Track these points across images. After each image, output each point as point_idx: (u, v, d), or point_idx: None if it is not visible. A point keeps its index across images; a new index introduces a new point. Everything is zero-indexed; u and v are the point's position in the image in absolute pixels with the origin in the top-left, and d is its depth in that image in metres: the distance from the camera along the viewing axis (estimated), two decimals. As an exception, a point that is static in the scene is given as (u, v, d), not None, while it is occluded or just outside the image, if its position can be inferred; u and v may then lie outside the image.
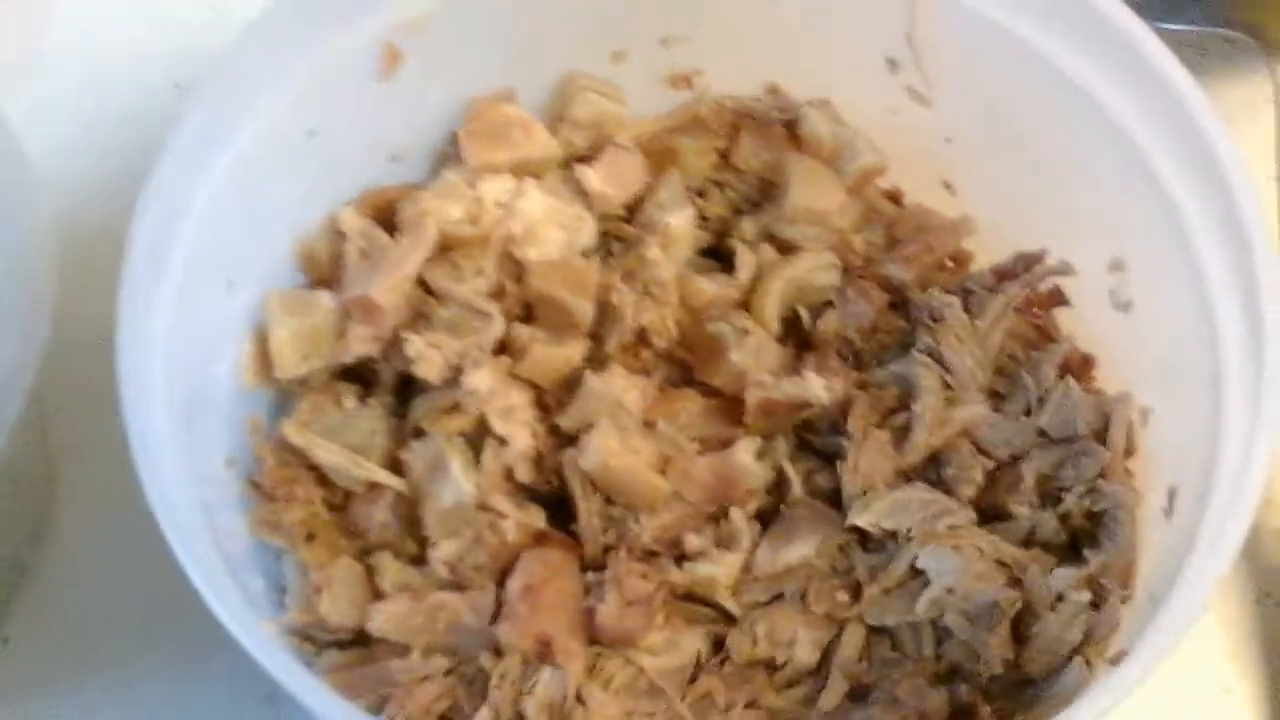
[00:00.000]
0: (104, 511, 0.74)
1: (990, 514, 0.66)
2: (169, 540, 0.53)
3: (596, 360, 0.66)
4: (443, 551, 0.63)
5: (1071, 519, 0.65)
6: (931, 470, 0.66)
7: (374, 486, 0.64)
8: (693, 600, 0.65)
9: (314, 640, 0.63)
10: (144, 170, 0.59)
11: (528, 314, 0.67)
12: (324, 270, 0.67)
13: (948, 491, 0.65)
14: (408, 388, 0.67)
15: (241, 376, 0.65)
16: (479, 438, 0.64)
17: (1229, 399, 0.60)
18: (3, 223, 0.64)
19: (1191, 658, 0.74)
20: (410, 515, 0.64)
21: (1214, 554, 0.57)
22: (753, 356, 0.67)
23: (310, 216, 0.67)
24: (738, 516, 0.65)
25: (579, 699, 0.61)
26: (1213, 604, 0.75)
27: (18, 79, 0.83)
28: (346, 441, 0.64)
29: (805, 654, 0.64)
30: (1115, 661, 0.59)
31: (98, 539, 0.74)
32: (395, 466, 0.65)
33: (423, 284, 0.66)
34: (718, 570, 0.64)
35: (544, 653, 0.61)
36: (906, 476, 0.66)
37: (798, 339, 0.71)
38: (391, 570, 0.63)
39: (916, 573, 0.64)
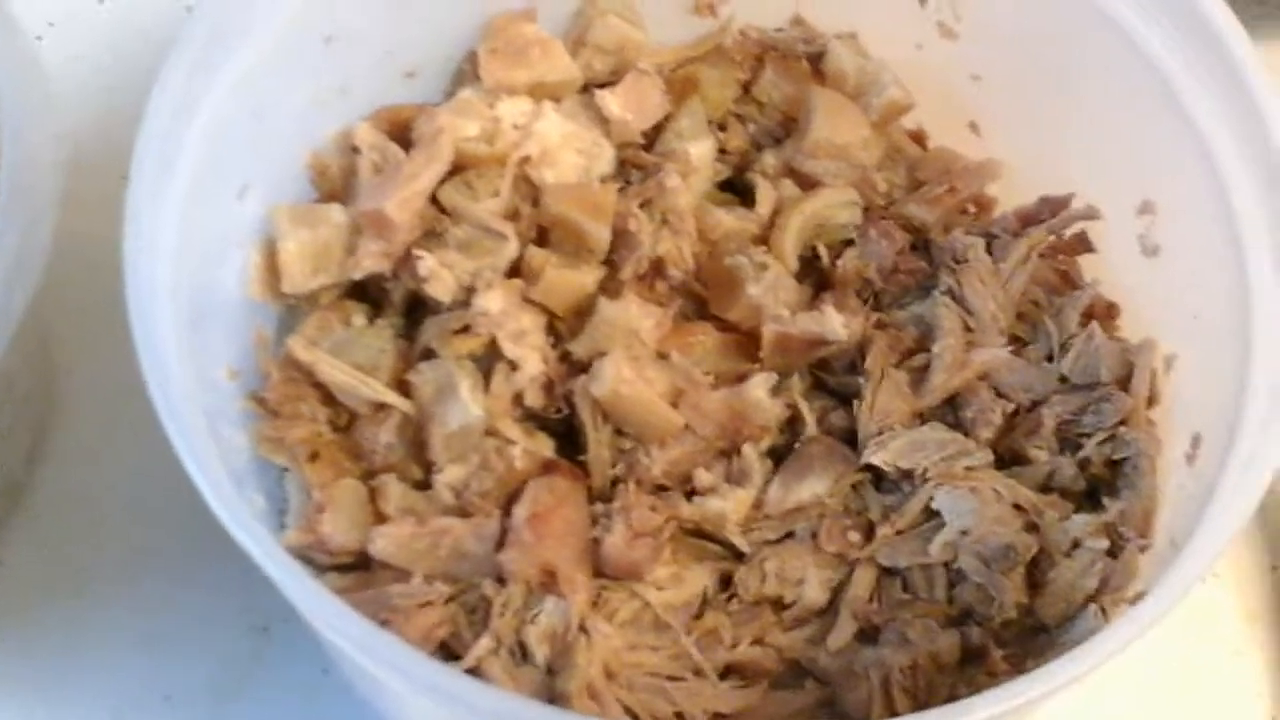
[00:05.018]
0: (101, 435, 0.74)
1: (1008, 459, 0.65)
2: (175, 444, 0.50)
3: (611, 288, 0.65)
4: (448, 476, 0.62)
5: (1091, 466, 0.64)
6: (948, 414, 0.65)
7: (380, 407, 0.63)
8: (701, 536, 0.63)
9: (314, 563, 0.61)
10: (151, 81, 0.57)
11: (542, 238, 0.65)
12: (335, 186, 0.66)
13: (965, 434, 0.64)
14: (417, 311, 0.65)
15: (248, 288, 0.63)
16: (489, 362, 0.63)
17: (1258, 345, 0.59)
18: (14, 134, 0.62)
19: (1204, 622, 0.74)
20: (416, 438, 0.63)
21: (1237, 498, 0.56)
22: (770, 292, 0.66)
23: (323, 129, 0.66)
24: (750, 453, 0.64)
25: (582, 630, 0.59)
26: (1226, 571, 0.75)
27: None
28: (354, 360, 0.63)
29: (814, 593, 0.63)
30: (1133, 603, 0.58)
31: (94, 463, 0.73)
32: (402, 389, 0.63)
33: (435, 203, 0.64)
34: (727, 506, 0.63)
35: (548, 582, 0.60)
36: (923, 419, 0.65)
37: (815, 279, 0.69)
38: (396, 493, 0.62)
39: (931, 514, 0.63)
